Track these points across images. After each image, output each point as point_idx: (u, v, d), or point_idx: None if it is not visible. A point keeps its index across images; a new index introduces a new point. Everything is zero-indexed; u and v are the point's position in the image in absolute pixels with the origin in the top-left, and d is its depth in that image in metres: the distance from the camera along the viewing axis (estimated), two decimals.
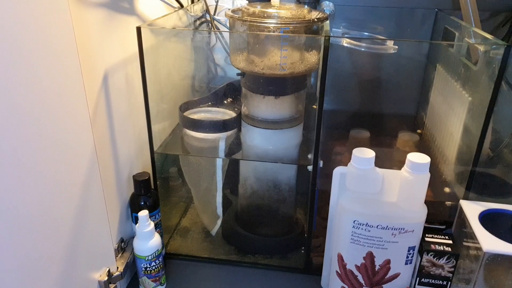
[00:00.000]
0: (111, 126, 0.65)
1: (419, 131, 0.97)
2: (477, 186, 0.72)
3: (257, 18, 0.65)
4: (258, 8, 0.67)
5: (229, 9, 0.92)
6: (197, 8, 0.96)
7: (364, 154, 0.62)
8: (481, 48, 0.66)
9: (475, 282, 0.60)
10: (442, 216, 0.73)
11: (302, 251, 0.78)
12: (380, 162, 0.64)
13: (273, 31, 0.65)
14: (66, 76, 0.50)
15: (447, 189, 0.75)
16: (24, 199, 0.45)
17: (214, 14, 1.02)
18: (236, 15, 0.68)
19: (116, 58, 0.65)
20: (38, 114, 0.46)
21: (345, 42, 0.86)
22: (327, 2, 0.92)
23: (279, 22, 0.64)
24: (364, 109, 1.05)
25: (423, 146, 0.93)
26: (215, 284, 0.77)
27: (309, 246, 0.77)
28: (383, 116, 1.05)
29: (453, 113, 0.77)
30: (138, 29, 0.62)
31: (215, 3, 1.02)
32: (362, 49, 0.83)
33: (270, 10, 0.66)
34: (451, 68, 0.82)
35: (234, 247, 0.83)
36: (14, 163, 0.43)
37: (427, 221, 0.68)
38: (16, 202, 0.43)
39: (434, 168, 0.85)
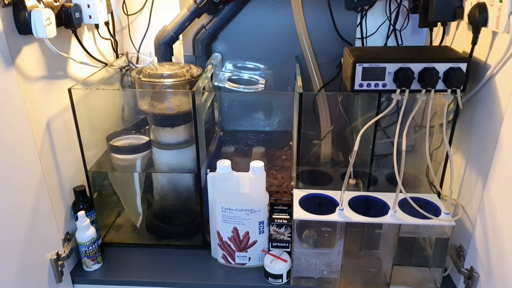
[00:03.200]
0: (55, 155, 0.96)
1: (291, 142, 1.33)
2: (311, 178, 1.08)
3: (149, 79, 0.99)
4: (151, 70, 1.01)
5: (135, 67, 1.24)
6: (122, 61, 1.28)
7: (223, 164, 0.96)
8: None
9: (292, 239, 0.95)
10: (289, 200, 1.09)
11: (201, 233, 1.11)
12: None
13: (160, 87, 0.98)
14: (17, 126, 0.81)
15: (292, 183, 1.11)
16: None
17: (137, 63, 1.35)
18: (138, 75, 1.02)
19: (57, 109, 0.96)
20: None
21: (228, 85, 1.20)
22: (216, 54, 1.27)
23: (161, 82, 0.98)
24: (256, 128, 1.41)
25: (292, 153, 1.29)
26: (139, 261, 1.08)
27: (203, 230, 1.10)
28: (272, 133, 1.41)
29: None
30: (69, 90, 0.94)
31: (136, 54, 1.35)
32: (240, 90, 1.18)
33: (158, 72, 1.00)
34: None
35: (154, 235, 1.15)
36: None
37: (277, 204, 1.03)
38: None
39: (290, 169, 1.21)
